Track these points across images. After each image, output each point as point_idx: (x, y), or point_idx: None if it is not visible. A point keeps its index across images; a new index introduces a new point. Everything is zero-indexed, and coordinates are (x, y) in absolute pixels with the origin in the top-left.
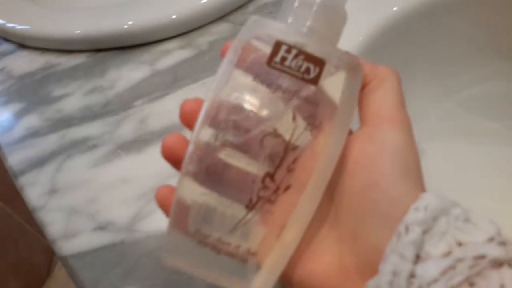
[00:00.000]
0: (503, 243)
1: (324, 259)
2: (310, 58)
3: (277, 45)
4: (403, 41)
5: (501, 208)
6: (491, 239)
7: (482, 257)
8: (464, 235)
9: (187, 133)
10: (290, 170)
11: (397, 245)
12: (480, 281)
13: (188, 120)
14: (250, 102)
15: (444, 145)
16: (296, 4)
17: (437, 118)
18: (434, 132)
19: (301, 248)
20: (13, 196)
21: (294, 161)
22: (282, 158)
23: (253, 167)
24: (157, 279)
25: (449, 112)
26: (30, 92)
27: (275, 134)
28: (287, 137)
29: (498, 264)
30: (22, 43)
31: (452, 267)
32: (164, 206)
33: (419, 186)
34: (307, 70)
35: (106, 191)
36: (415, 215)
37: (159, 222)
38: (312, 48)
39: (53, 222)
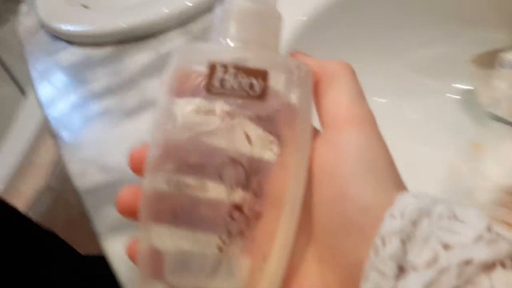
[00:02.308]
0: (492, 241)
1: (307, 282)
2: (250, 72)
3: (212, 67)
4: (347, 17)
5: (439, 155)
6: (479, 238)
7: (468, 262)
8: (450, 235)
9: None
10: (258, 195)
11: (376, 261)
12: None
13: (138, 169)
14: (198, 136)
15: (391, 102)
16: (222, 19)
17: (385, 78)
18: (381, 91)
19: (287, 273)
20: None
21: (260, 185)
22: (245, 185)
23: (218, 202)
24: None
25: (396, 73)
26: (72, 77)
27: (233, 162)
28: (245, 162)
29: (488, 266)
30: (69, 40)
31: (435, 280)
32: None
33: (394, 186)
34: (251, 86)
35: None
36: (391, 223)
37: None
38: (252, 61)
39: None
